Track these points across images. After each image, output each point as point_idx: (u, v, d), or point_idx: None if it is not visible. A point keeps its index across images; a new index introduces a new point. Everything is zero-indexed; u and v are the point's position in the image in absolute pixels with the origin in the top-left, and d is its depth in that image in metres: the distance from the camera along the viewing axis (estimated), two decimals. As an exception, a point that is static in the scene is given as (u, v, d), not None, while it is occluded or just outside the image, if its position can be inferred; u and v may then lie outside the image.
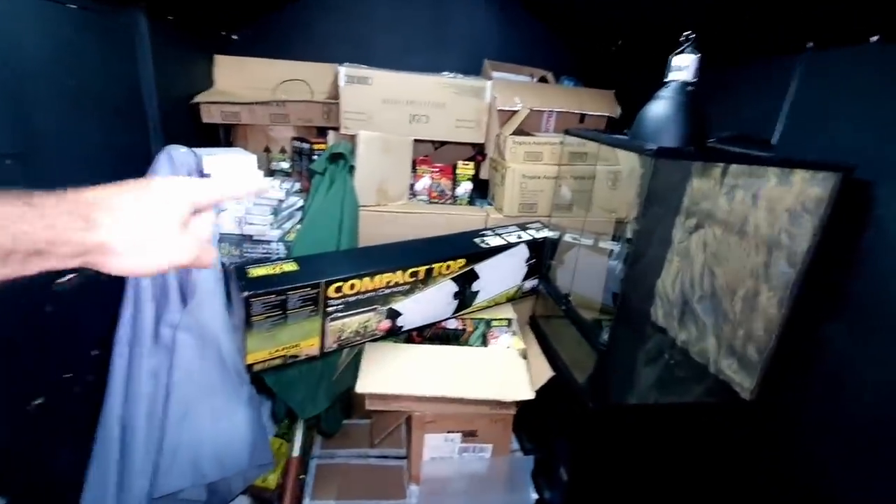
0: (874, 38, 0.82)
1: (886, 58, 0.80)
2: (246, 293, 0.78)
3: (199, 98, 1.37)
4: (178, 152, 1.08)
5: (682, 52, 0.80)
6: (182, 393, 1.00)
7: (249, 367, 0.86)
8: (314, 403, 1.04)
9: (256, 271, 0.84)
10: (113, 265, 0.37)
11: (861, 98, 0.85)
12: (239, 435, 1.03)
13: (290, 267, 0.88)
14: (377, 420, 1.22)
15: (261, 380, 0.97)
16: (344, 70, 1.38)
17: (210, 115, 1.39)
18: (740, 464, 1.02)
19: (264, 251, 1.12)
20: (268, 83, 1.56)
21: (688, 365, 1.13)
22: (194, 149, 1.17)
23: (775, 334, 0.93)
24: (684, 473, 1.04)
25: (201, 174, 1.11)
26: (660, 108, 0.81)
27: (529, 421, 1.24)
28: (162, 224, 0.39)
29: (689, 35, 0.79)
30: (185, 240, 0.40)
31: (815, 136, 0.93)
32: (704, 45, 0.82)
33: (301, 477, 1.14)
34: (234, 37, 1.62)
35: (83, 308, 0.94)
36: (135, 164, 1.07)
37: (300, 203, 1.31)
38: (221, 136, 1.58)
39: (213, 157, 1.12)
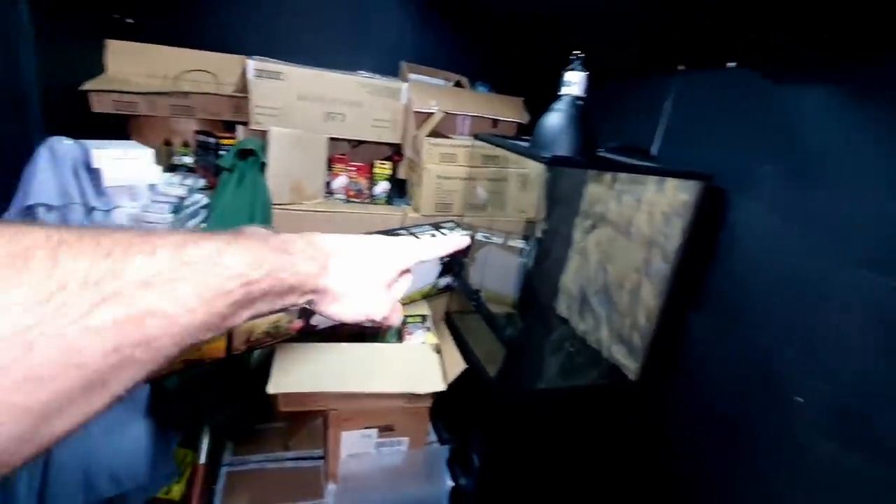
0: (731, 64, 0.97)
1: (739, 81, 0.95)
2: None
3: (88, 85, 1.25)
4: (62, 145, 0.99)
5: (572, 69, 0.89)
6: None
7: (146, 374, 0.82)
8: (221, 407, 1.00)
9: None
10: (324, 308, 0.40)
11: (718, 116, 0.99)
12: (136, 448, 0.97)
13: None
14: (292, 421, 1.20)
15: (160, 388, 0.91)
16: (253, 63, 1.33)
17: (101, 105, 1.28)
18: (630, 437, 1.15)
19: (165, 252, 1.05)
20: (168, 72, 1.46)
21: (586, 352, 1.25)
22: (82, 141, 1.07)
23: (654, 323, 1.05)
24: (583, 450, 1.14)
25: (89, 168, 1.03)
26: (554, 119, 0.89)
27: (446, 411, 1.29)
28: (376, 281, 0.43)
29: (577, 54, 0.87)
30: (387, 296, 0.45)
31: (685, 149, 1.07)
32: (594, 63, 0.91)
33: (211, 487, 1.10)
34: (129, 20, 1.49)
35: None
36: (14, 157, 0.96)
37: (205, 201, 1.25)
38: (117, 128, 1.45)
39: (104, 151, 1.03)
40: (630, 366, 1.12)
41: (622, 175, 1.15)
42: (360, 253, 0.41)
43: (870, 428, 0.69)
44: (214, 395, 0.98)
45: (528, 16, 1.34)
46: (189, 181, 1.18)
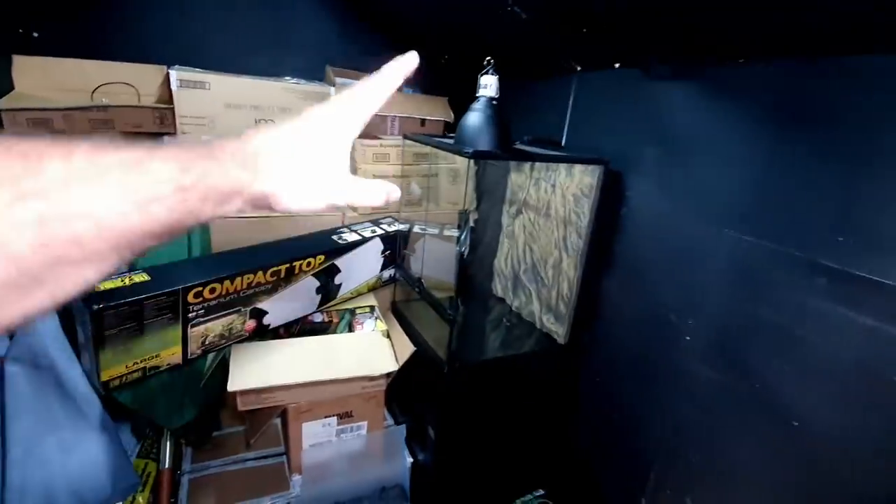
0: (616, 65, 1.13)
1: (623, 79, 1.12)
2: (96, 306, 0.76)
3: (-2, 104, 1.19)
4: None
5: (486, 73, 1.01)
6: (20, 431, 0.90)
7: (105, 384, 0.83)
8: (181, 413, 1.03)
9: (104, 285, 0.82)
10: (280, 207, 0.37)
11: (610, 109, 1.16)
12: (95, 463, 0.97)
13: (141, 278, 0.86)
14: (250, 422, 1.24)
15: (114, 402, 0.93)
16: (176, 73, 1.33)
17: (15, 123, 1.22)
18: (563, 391, 1.31)
19: (104, 268, 1.05)
20: (83, 86, 1.41)
21: (521, 325, 1.39)
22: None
23: (575, 291, 1.21)
24: (525, 410, 1.29)
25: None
26: (474, 118, 1.01)
27: (399, 395, 1.38)
28: (323, 164, 0.38)
29: (489, 60, 0.99)
30: (345, 175, 0.40)
31: (588, 138, 1.24)
32: (508, 65, 1.04)
33: (172, 501, 1.11)
34: (35, 34, 1.43)
35: None
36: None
37: (140, 214, 1.24)
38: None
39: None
40: (559, 331, 1.27)
41: (538, 164, 1.30)
42: (295, 141, 0.37)
43: (736, 354, 0.87)
44: (173, 402, 1.01)
45: (443, 27, 1.45)
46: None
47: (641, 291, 1.08)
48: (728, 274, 0.88)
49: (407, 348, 1.22)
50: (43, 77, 1.36)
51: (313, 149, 0.38)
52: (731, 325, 0.88)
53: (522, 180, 1.38)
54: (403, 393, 1.37)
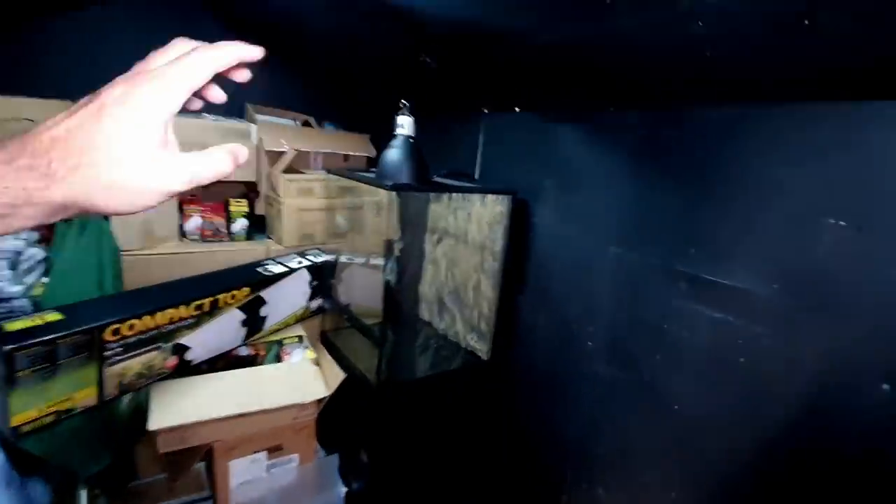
0: (517, 109, 1.30)
1: (523, 121, 1.28)
2: (7, 347, 0.72)
3: None
4: None
5: (402, 113, 1.11)
6: None
7: (15, 429, 0.78)
8: (96, 459, 0.96)
9: (13, 325, 0.77)
10: (107, 212, 0.32)
11: (514, 146, 1.32)
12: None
13: (54, 317, 0.83)
14: (172, 466, 1.18)
15: (18, 452, 0.86)
16: (87, 110, 1.30)
17: None
18: (488, 404, 1.40)
19: (5, 309, 0.98)
20: (-22, 120, 1.32)
21: (447, 345, 1.47)
22: None
23: (493, 309, 1.32)
24: (453, 427, 1.35)
25: None
26: (393, 155, 1.10)
27: (330, 426, 1.39)
28: (139, 151, 0.31)
29: (404, 102, 1.10)
30: (169, 157, 0.34)
31: (497, 171, 1.38)
32: (424, 103, 1.15)
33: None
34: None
35: None
36: None
37: (41, 255, 1.17)
38: None
39: None
40: (482, 348, 1.37)
41: (455, 195, 1.42)
42: (93, 129, 0.30)
43: (626, 352, 1.02)
44: (87, 447, 0.94)
45: (362, 69, 1.56)
46: (24, 234, 1.11)
47: (549, 306, 1.22)
48: (614, 284, 1.04)
49: (337, 376, 1.24)
50: None
51: (120, 136, 0.30)
52: (620, 327, 1.03)
53: (442, 210, 1.49)
54: (334, 423, 1.38)
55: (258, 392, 1.08)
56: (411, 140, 1.12)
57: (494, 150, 1.40)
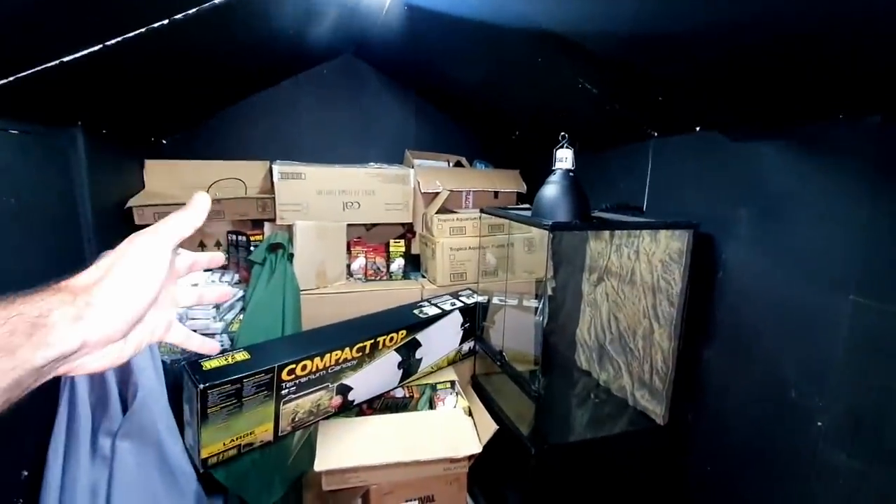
0: (697, 129, 1.11)
1: (705, 142, 1.08)
2: (202, 385, 0.81)
3: (132, 202, 1.41)
4: (118, 257, 1.11)
5: (561, 146, 1.03)
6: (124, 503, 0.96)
7: (204, 461, 0.87)
8: (269, 492, 1.04)
9: (210, 364, 0.88)
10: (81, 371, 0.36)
11: (693, 172, 1.12)
12: (189, 542, 0.99)
13: (242, 356, 0.92)
14: (334, 501, 1.22)
15: (209, 478, 0.96)
16: (277, 167, 1.50)
17: (143, 218, 1.43)
18: (666, 481, 1.16)
19: (209, 344, 1.14)
20: (200, 182, 1.64)
21: (611, 401, 1.28)
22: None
23: (671, 364, 1.11)
24: (620, 499, 1.15)
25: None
26: (551, 190, 1.02)
27: (481, 476, 1.30)
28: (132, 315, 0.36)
29: (563, 135, 1.02)
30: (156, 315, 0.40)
31: (671, 202, 1.19)
32: (583, 135, 1.05)
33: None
34: (164, 141, 1.70)
35: (8, 428, 0.90)
36: (70, 270, 1.08)
37: (240, 293, 1.36)
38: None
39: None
40: (656, 410, 1.16)
41: (617, 231, 1.27)
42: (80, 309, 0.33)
43: (879, 441, 0.73)
44: (262, 480, 1.02)
45: (516, 106, 1.53)
46: (226, 277, 1.30)
47: (752, 366, 0.97)
48: (853, 344, 0.77)
49: (489, 427, 1.16)
50: (168, 177, 1.60)
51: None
52: (867, 405, 0.75)
53: (602, 247, 1.34)
54: (486, 473, 1.29)
55: (413, 441, 1.06)
56: (571, 174, 1.02)
57: (666, 179, 1.21)
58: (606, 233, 1.32)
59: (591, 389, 1.36)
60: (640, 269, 1.19)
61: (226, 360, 0.90)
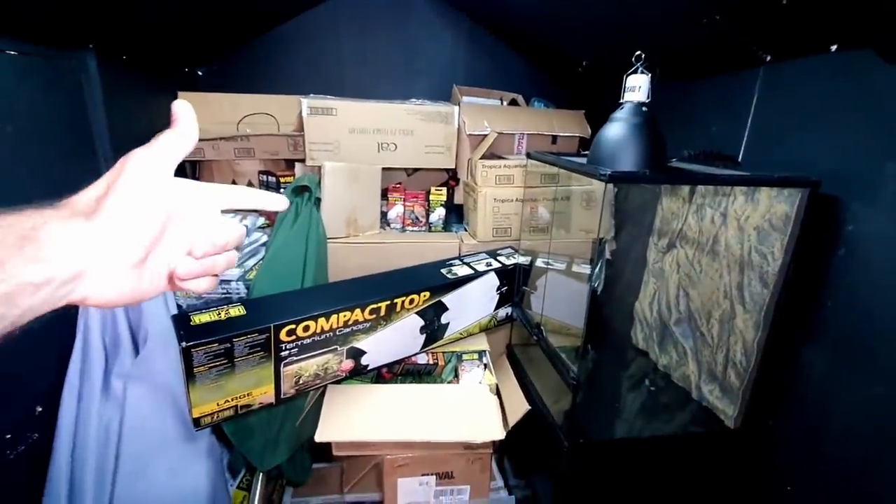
0: (833, 48, 0.80)
1: (843, 68, 0.78)
2: (184, 343, 0.73)
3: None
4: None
5: (634, 72, 0.78)
6: (135, 448, 0.94)
7: (196, 420, 0.81)
8: (274, 454, 0.98)
9: (200, 318, 0.80)
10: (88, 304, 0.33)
11: (818, 111, 0.83)
12: (198, 489, 0.97)
13: (237, 311, 0.83)
14: (348, 464, 1.16)
15: (219, 427, 0.91)
16: (306, 101, 1.36)
17: (172, 153, 1.36)
18: (728, 497, 0.97)
19: (224, 291, 1.07)
20: (234, 117, 1.54)
21: (669, 390, 1.08)
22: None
23: (755, 358, 0.88)
24: (672, 509, 0.98)
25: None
26: (615, 130, 0.78)
27: (514, 453, 1.18)
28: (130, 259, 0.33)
29: (639, 55, 0.77)
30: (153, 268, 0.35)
31: (780, 152, 0.91)
32: (664, 62, 0.80)
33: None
34: (200, 72, 1.61)
35: (24, 363, 0.89)
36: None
37: (264, 238, 1.27)
38: (189, 172, 1.56)
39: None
40: (727, 410, 0.95)
41: (700, 187, 1.01)
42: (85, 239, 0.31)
43: None
44: (268, 439, 0.96)
45: (586, 25, 1.24)
46: (248, 221, 1.21)
47: (876, 377, 0.72)
48: None
49: (519, 407, 1.02)
50: (201, 110, 1.47)
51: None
52: None
53: (678, 206, 1.09)
54: (517, 449, 1.17)
55: (427, 417, 0.94)
56: (644, 108, 0.78)
57: (776, 120, 0.92)
58: (685, 188, 1.06)
59: (648, 374, 1.16)
60: (725, 237, 0.94)
61: (218, 314, 0.81)
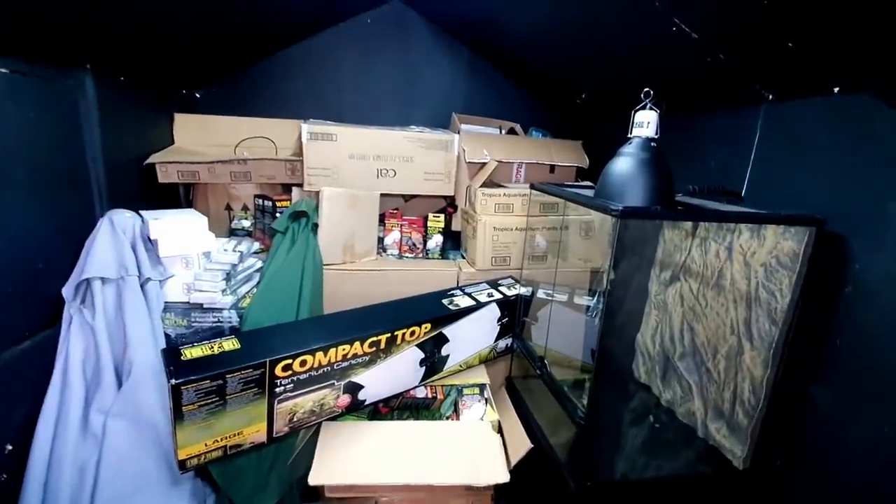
0: (836, 90, 0.82)
1: (841, 110, 0.79)
2: (174, 381, 0.68)
3: (154, 158, 1.31)
4: (121, 217, 1.01)
5: (643, 107, 0.78)
6: (112, 488, 0.88)
7: (182, 463, 0.75)
8: (263, 496, 0.92)
9: (191, 352, 0.75)
10: None
11: (820, 149, 0.84)
12: (179, 534, 0.90)
13: (231, 345, 0.79)
14: (341, 505, 1.10)
15: (205, 468, 0.85)
16: (307, 127, 1.35)
17: (167, 176, 1.33)
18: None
19: (215, 320, 1.03)
20: (232, 140, 1.52)
21: (673, 426, 1.06)
22: (142, 212, 1.10)
23: (763, 396, 0.86)
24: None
25: (146, 239, 1.04)
26: (624, 164, 0.78)
27: (514, 493, 1.13)
28: None
29: (648, 91, 0.77)
30: None
31: (782, 189, 0.91)
32: (666, 96, 0.80)
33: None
34: (197, 94, 1.59)
35: (-3, 397, 0.83)
36: (76, 231, 0.99)
37: (259, 265, 1.24)
38: (182, 195, 1.52)
39: (160, 221, 1.05)
40: (734, 449, 0.92)
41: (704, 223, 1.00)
42: None
43: None
44: (258, 480, 0.91)
45: (587, 60, 1.26)
46: (243, 246, 1.18)
47: (887, 416, 0.71)
48: None
49: (522, 445, 0.98)
50: (198, 132, 1.49)
51: None
52: None
53: (680, 239, 1.08)
54: (519, 490, 1.12)
55: (427, 457, 0.90)
56: (653, 144, 0.77)
57: (778, 157, 0.93)
58: (688, 222, 1.05)
59: (650, 409, 1.13)
60: (731, 272, 0.93)
61: (211, 348, 0.77)
